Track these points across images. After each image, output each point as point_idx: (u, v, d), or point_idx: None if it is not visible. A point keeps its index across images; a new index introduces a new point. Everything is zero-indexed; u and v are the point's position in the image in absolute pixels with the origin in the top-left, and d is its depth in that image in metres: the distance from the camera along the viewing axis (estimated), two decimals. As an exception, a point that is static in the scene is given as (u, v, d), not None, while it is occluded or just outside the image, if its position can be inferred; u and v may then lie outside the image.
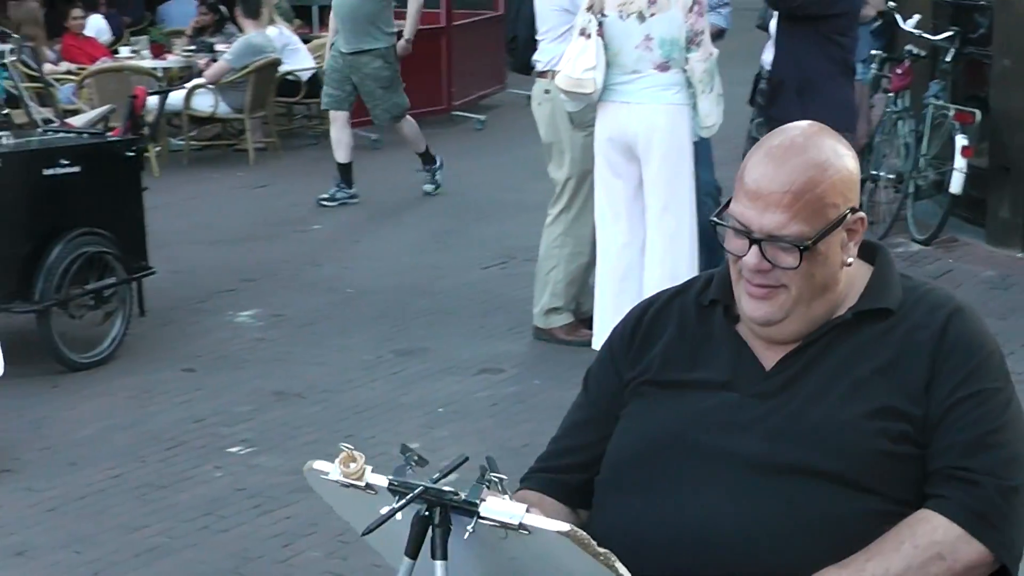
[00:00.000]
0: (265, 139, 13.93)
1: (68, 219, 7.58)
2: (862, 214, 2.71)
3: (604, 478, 2.82)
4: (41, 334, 7.47)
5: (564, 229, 7.79)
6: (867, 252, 2.84)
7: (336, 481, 2.55)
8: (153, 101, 12.96)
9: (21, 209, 7.49)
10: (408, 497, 2.45)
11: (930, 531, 2.54)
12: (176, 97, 13.34)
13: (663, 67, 6.89)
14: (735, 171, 2.75)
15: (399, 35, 12.06)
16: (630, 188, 7.09)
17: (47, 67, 14.14)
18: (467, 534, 2.41)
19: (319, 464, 2.61)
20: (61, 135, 8.49)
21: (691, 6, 6.83)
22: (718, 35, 8.28)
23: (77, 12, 15.44)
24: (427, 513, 2.46)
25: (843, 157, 2.69)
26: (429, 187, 12.13)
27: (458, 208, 11.62)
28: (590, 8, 6.91)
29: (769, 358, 2.74)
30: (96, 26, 15.98)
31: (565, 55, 7.05)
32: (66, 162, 7.59)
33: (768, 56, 7.97)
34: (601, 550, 2.36)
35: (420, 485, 2.46)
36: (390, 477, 2.52)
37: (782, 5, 7.60)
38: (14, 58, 10.75)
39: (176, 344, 8.11)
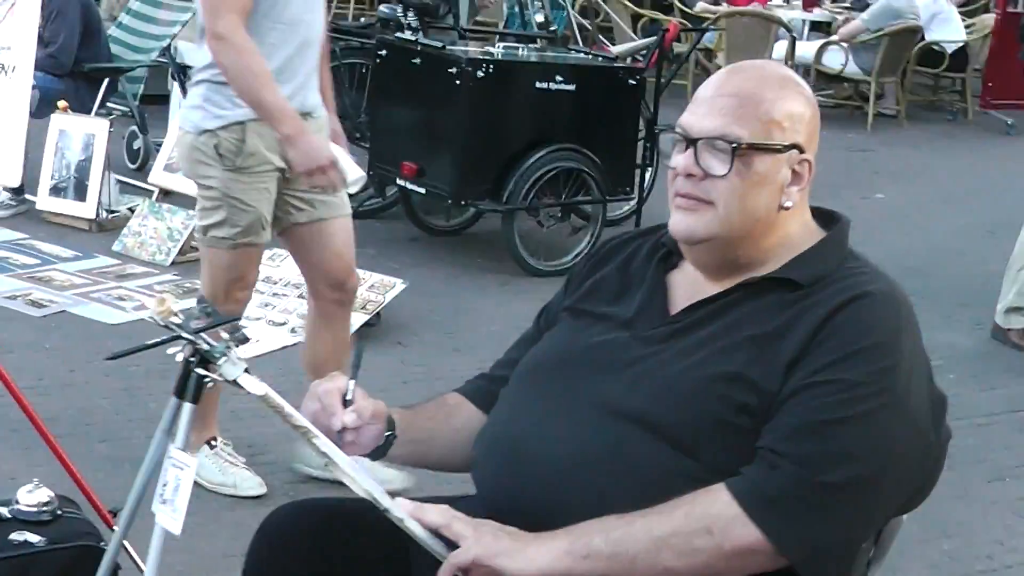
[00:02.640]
0: (895, 106, 13.73)
1: (552, 132, 7.98)
2: (809, 158, 2.63)
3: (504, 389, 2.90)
4: (504, 234, 7.95)
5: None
6: (827, 220, 2.77)
7: (150, 318, 2.73)
8: (781, 50, 13.25)
9: (508, 115, 7.95)
10: (164, 339, 2.68)
11: (710, 503, 2.45)
12: (808, 51, 13.48)
13: None
14: None
15: None
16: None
17: (700, 6, 14.62)
18: (209, 384, 2.62)
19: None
20: (568, 54, 8.85)
21: None
22: None
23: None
24: (192, 359, 2.67)
25: (800, 98, 2.64)
26: None
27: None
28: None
29: (679, 305, 2.72)
30: (759, -22, 16.20)
31: None
32: (561, 79, 7.93)
33: None
34: (299, 423, 2.50)
35: (181, 334, 2.66)
36: (177, 321, 2.70)
37: None
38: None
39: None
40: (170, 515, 2.66)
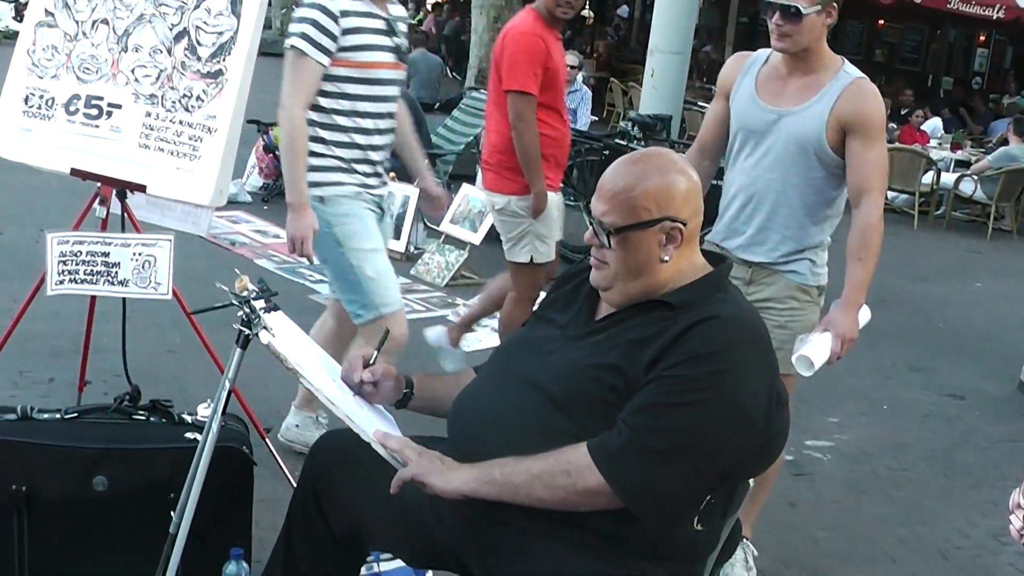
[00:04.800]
0: (1009, 224, 12.91)
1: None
2: (680, 225, 2.51)
3: None
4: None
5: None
6: (715, 261, 2.64)
7: (228, 291, 2.72)
8: (928, 178, 12.62)
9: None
10: (226, 304, 2.66)
11: (571, 453, 2.40)
12: (949, 180, 12.87)
13: None
14: None
15: None
16: None
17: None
18: (261, 335, 2.60)
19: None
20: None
21: None
22: None
23: (920, 112, 15.04)
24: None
25: (668, 175, 2.54)
26: None
27: None
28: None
29: (601, 314, 2.65)
30: (932, 125, 15.43)
31: None
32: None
33: None
34: (291, 367, 2.49)
35: (234, 302, 2.64)
36: (244, 295, 2.68)
37: None
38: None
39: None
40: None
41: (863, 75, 3.59)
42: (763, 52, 3.72)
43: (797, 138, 3.55)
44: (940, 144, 14.38)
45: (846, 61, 3.64)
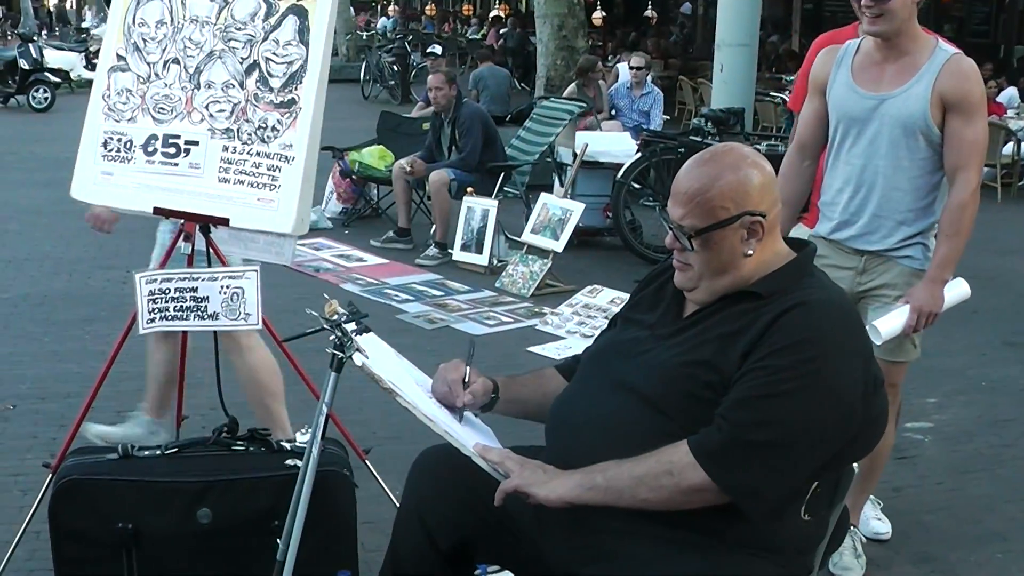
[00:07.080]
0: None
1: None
2: (759, 218, 2.47)
3: None
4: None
5: None
6: (798, 247, 2.61)
7: (319, 316, 2.72)
8: (1008, 149, 12.34)
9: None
10: (316, 329, 2.65)
11: (672, 452, 2.37)
12: (1031, 150, 12.53)
13: None
14: None
15: None
16: None
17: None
18: (355, 358, 2.58)
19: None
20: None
21: None
22: None
23: (993, 83, 14.67)
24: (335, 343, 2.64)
25: (741, 170, 2.50)
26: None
27: None
28: None
29: (689, 312, 2.62)
30: (1008, 95, 15.07)
31: None
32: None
33: None
34: (387, 387, 2.48)
35: (325, 326, 2.63)
36: (335, 319, 2.67)
37: None
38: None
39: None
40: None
41: (959, 51, 3.54)
42: (852, 42, 3.68)
43: (903, 120, 3.51)
44: (1018, 114, 14.03)
45: (939, 39, 3.59)
